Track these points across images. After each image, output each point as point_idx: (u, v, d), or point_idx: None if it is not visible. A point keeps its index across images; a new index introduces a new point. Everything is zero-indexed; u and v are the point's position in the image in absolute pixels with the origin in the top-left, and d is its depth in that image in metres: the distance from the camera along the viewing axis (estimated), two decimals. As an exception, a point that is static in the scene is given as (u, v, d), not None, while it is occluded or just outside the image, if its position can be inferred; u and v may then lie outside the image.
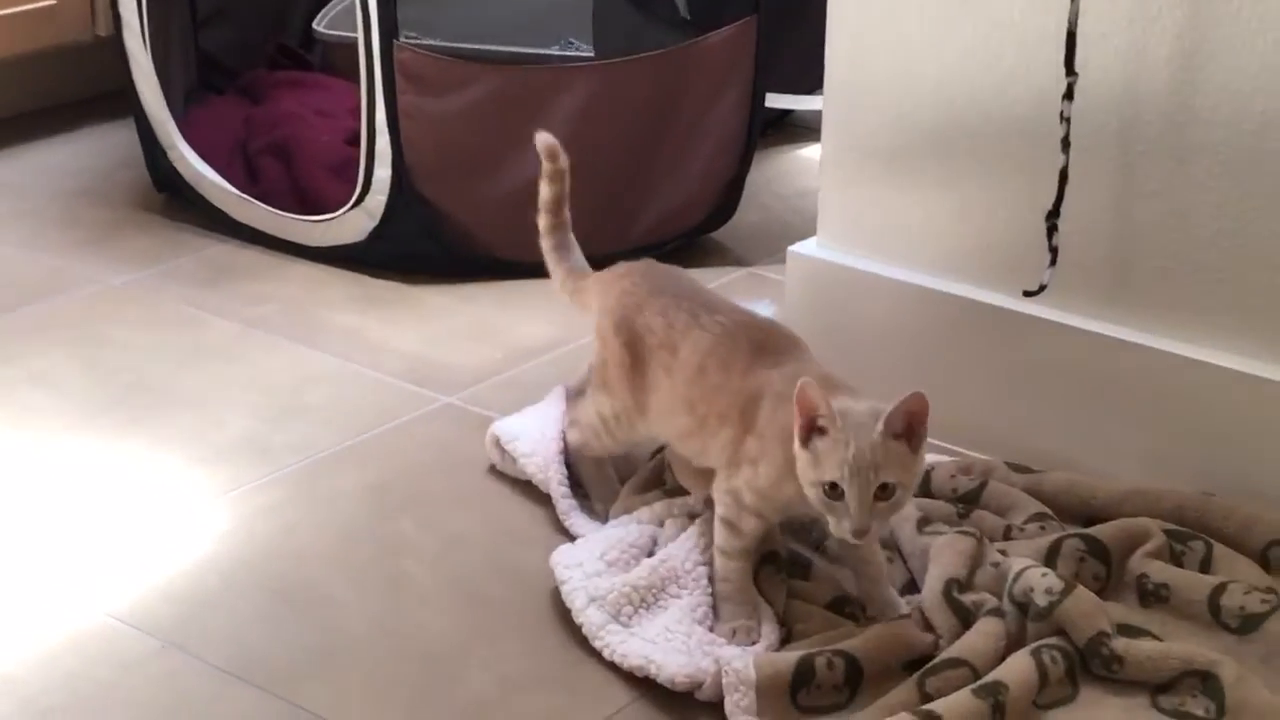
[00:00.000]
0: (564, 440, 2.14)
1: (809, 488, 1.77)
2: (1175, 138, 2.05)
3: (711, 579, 1.92)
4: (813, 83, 2.71)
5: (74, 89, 3.31)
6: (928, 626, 1.86)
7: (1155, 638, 1.85)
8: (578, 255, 2.16)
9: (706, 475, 1.98)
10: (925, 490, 2.08)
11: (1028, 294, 2.14)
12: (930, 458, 2.06)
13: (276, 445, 2.27)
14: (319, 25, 3.21)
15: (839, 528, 1.76)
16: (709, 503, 1.98)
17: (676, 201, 2.78)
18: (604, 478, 2.13)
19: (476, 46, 2.74)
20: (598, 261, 2.16)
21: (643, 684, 1.83)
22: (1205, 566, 1.95)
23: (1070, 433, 2.16)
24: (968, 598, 1.87)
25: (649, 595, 1.90)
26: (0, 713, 1.79)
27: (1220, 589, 1.88)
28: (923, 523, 1.99)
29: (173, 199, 2.92)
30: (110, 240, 2.84)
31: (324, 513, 2.13)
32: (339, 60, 3.16)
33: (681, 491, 2.06)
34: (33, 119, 3.25)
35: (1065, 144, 2.06)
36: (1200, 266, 2.08)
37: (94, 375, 2.44)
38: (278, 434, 2.29)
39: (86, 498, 2.16)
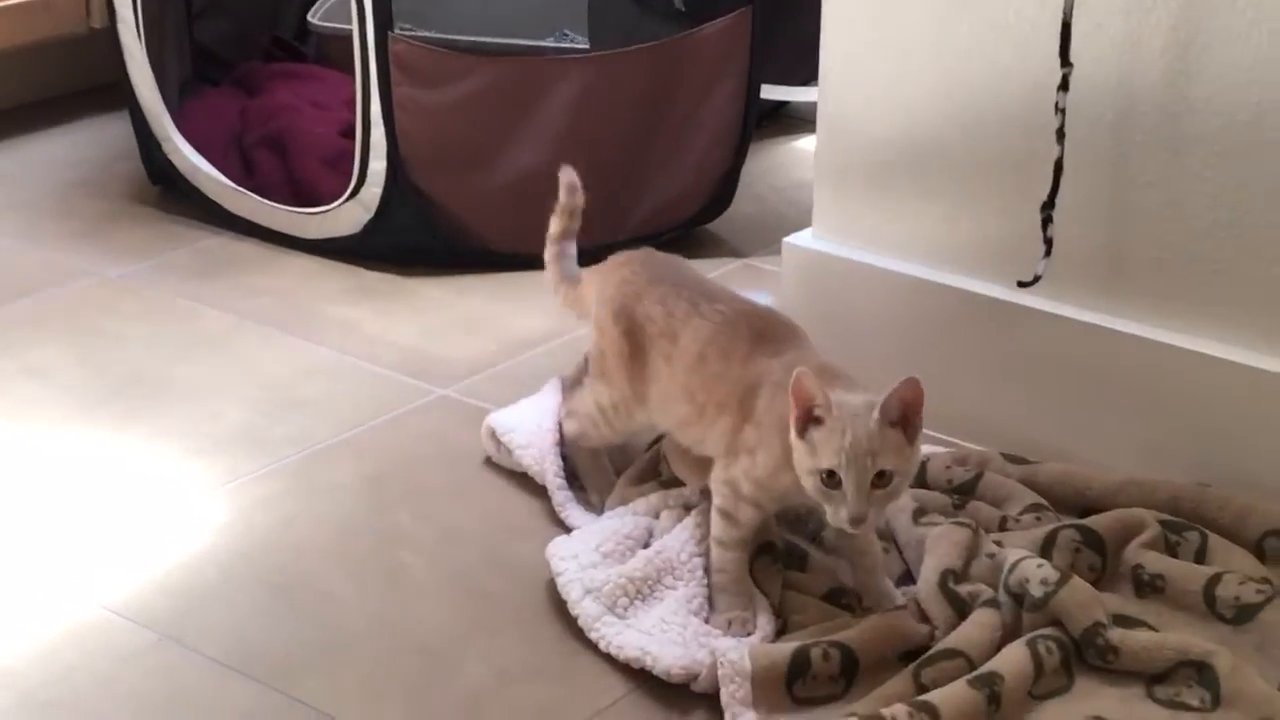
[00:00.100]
0: (560, 432, 2.14)
1: (806, 477, 1.78)
2: (1170, 129, 2.05)
3: (707, 570, 1.92)
4: (808, 74, 2.71)
5: (69, 81, 3.30)
6: (923, 617, 1.87)
7: (1151, 628, 1.86)
8: (573, 264, 2.17)
9: (702, 467, 1.98)
10: (921, 481, 2.08)
11: (1022, 285, 2.14)
12: (926, 449, 2.06)
13: (273, 437, 2.27)
14: (314, 17, 3.20)
15: (836, 516, 1.76)
16: (705, 494, 1.98)
17: (672, 193, 2.78)
18: (599, 469, 2.13)
19: (471, 38, 2.74)
20: (593, 253, 2.16)
21: (638, 675, 1.83)
22: (1200, 557, 1.95)
23: (1065, 423, 2.16)
24: (963, 589, 1.88)
25: (645, 587, 1.90)
26: (-3, 706, 1.79)
27: (1215, 579, 1.89)
28: (918, 514, 1.99)
29: (168, 191, 2.92)
30: (106, 232, 2.84)
31: (321, 505, 2.14)
32: (334, 52, 3.16)
33: (677, 483, 2.06)
34: (27, 111, 3.24)
35: (1060, 135, 2.07)
36: (1196, 257, 2.08)
37: (90, 367, 2.44)
38: (274, 426, 2.30)
39: (83, 490, 2.16)
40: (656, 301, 1.99)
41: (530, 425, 2.17)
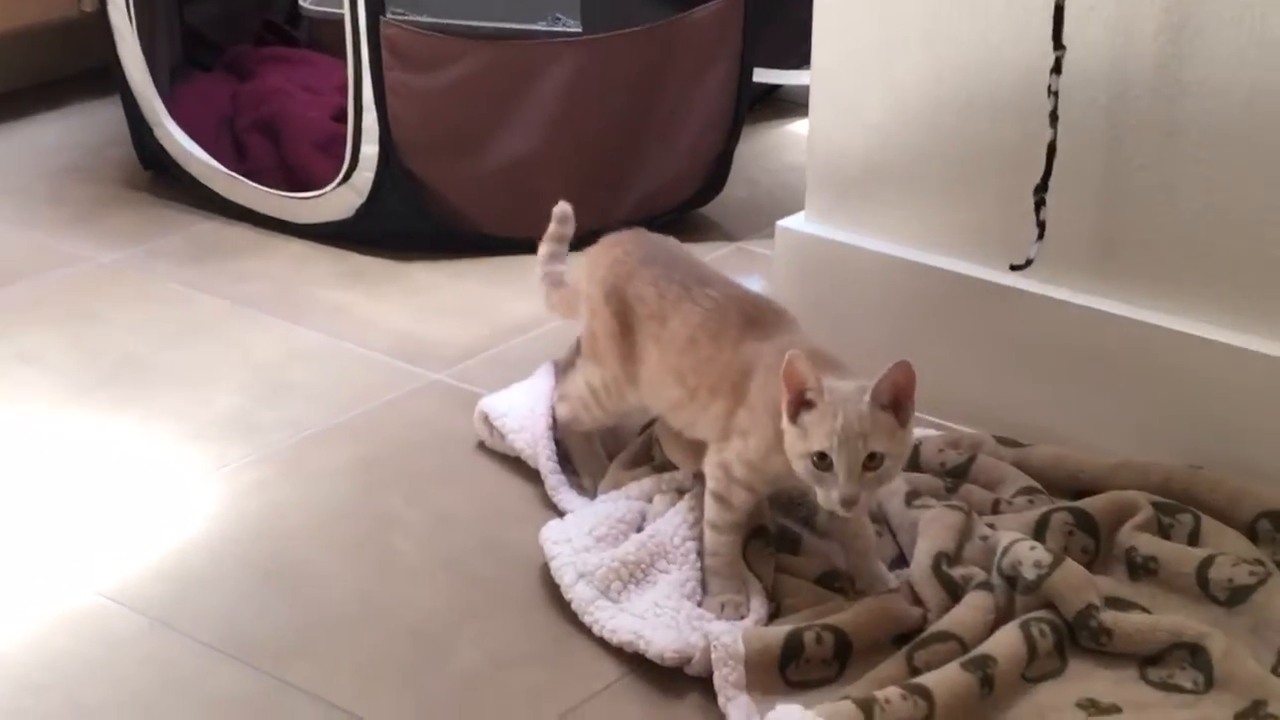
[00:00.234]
0: (553, 416, 2.14)
1: (797, 461, 1.78)
2: (1164, 111, 2.05)
3: (700, 554, 1.92)
4: (801, 58, 2.71)
5: (59, 66, 3.30)
6: (916, 600, 1.87)
7: (1144, 610, 1.86)
8: (563, 277, 2.19)
9: (695, 451, 1.98)
10: (914, 464, 2.08)
11: (1015, 268, 2.14)
12: (918, 432, 2.06)
13: (265, 422, 2.27)
14: (305, 1, 3.19)
15: (827, 499, 1.76)
16: (698, 478, 1.98)
17: (665, 177, 2.77)
18: (592, 453, 2.13)
19: (464, 22, 2.73)
20: (586, 238, 2.16)
21: (632, 659, 1.83)
22: (1193, 539, 1.95)
23: (1058, 406, 2.16)
24: (956, 571, 1.88)
25: (638, 570, 1.90)
26: (-11, 691, 1.79)
27: (1208, 561, 1.89)
28: (911, 496, 1.99)
29: (160, 176, 2.92)
30: (97, 218, 2.83)
31: (313, 490, 2.13)
32: (326, 36, 3.15)
33: (670, 467, 2.06)
34: (18, 96, 3.23)
35: (1053, 118, 2.06)
36: (1188, 240, 2.08)
37: (82, 353, 2.43)
38: (266, 411, 2.29)
39: (75, 476, 2.16)
40: (648, 283, 1.99)
41: (523, 409, 2.17)
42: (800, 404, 1.77)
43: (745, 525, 1.92)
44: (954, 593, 1.86)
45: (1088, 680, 1.79)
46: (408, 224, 2.70)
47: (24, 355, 2.42)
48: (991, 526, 1.95)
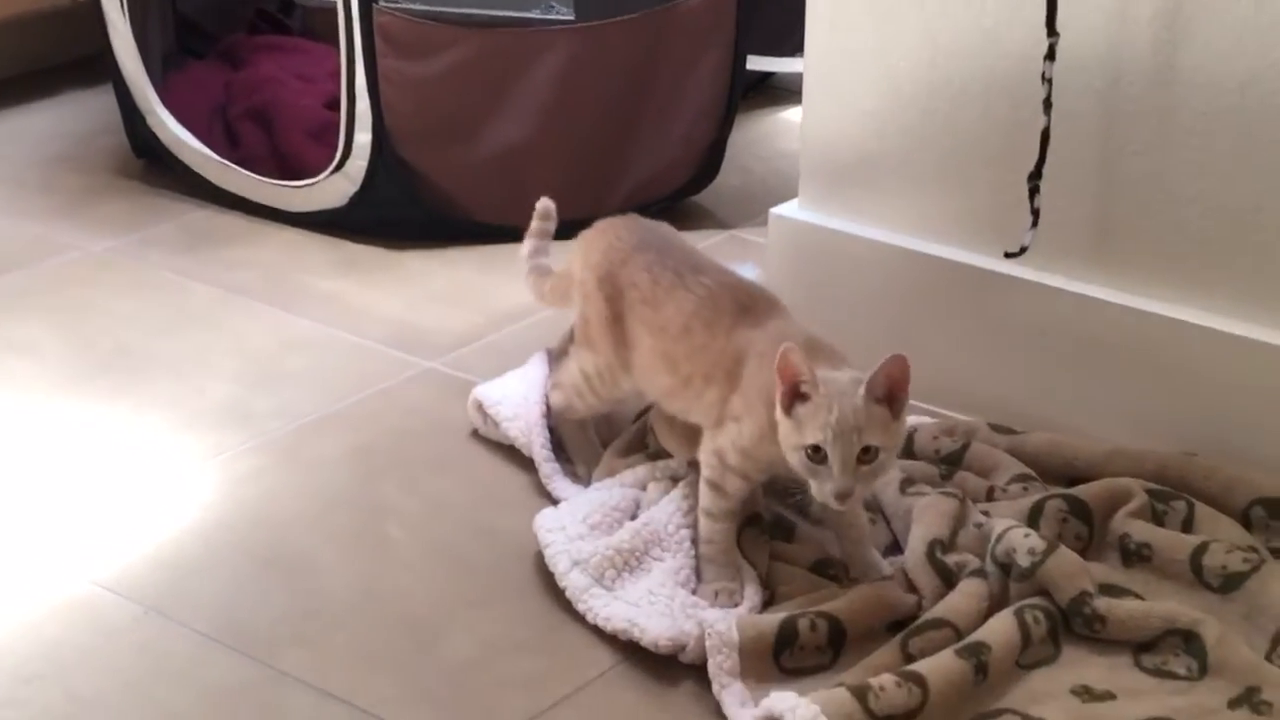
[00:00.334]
0: (546, 404, 2.14)
1: (791, 453, 1.77)
2: (1158, 98, 2.05)
3: (694, 542, 1.92)
4: (794, 46, 2.70)
5: (52, 54, 3.29)
6: (911, 588, 1.87)
7: (1138, 597, 1.86)
8: (549, 267, 2.19)
9: (689, 438, 1.98)
10: (908, 451, 2.08)
11: (1009, 255, 2.14)
12: (913, 419, 2.06)
13: (258, 411, 2.26)
14: (298, -11, 3.20)
15: (821, 491, 1.76)
16: (692, 466, 1.98)
17: (658, 165, 2.77)
18: (586, 441, 2.13)
19: (456, 10, 2.73)
20: (579, 226, 2.15)
21: (626, 647, 1.83)
22: (1187, 526, 1.95)
23: (1052, 394, 2.16)
24: (950, 558, 1.88)
25: (632, 558, 1.90)
26: (-17, 680, 1.79)
27: (1202, 548, 1.89)
28: (906, 484, 1.99)
29: (152, 165, 2.91)
30: (90, 206, 2.83)
31: (306, 478, 2.13)
32: (318, 24, 3.15)
33: (664, 455, 2.06)
34: (10, 84, 3.23)
35: (1047, 105, 2.06)
36: (1182, 226, 2.08)
37: (75, 342, 2.43)
38: (260, 400, 2.29)
39: (69, 465, 2.16)
40: (642, 269, 1.99)
41: (517, 397, 2.17)
42: (794, 396, 1.76)
43: (740, 513, 1.91)
44: (948, 580, 1.86)
45: (1081, 667, 1.79)
46: (401, 212, 2.69)
47: (16, 345, 2.42)
48: (986, 514, 1.96)
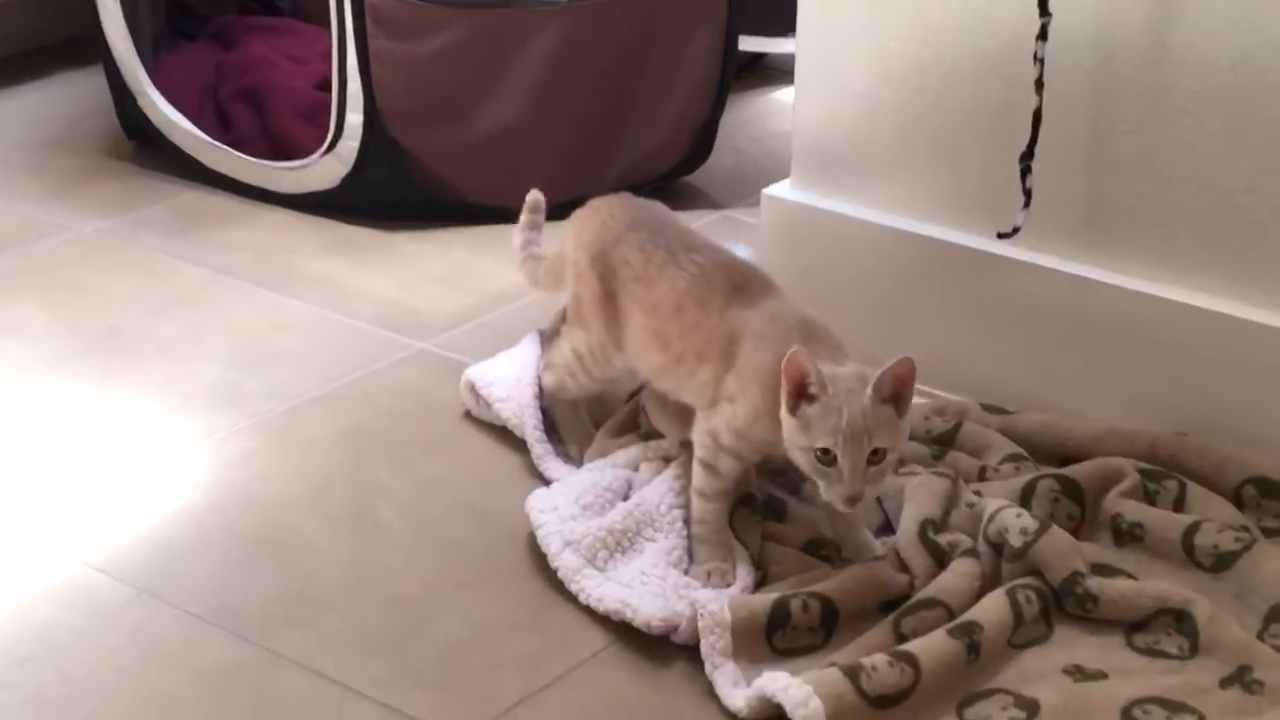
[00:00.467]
0: (539, 385, 2.14)
1: (798, 452, 1.77)
2: (1150, 77, 2.05)
3: (687, 522, 1.92)
4: (786, 26, 2.70)
5: (42, 35, 3.28)
6: (903, 567, 1.87)
7: (1130, 577, 1.86)
8: (539, 249, 2.19)
9: (681, 419, 1.98)
10: (900, 432, 2.08)
11: (1002, 236, 2.14)
12: (905, 399, 2.06)
13: (250, 392, 2.26)
14: (289, -30, 3.19)
15: (830, 494, 1.76)
16: (684, 446, 1.98)
17: (650, 145, 2.77)
18: (579, 421, 2.13)
19: (448, -11, 2.72)
20: (571, 206, 2.15)
21: (618, 627, 1.83)
22: (1179, 505, 1.95)
23: (1045, 373, 2.16)
24: (943, 538, 1.88)
25: (624, 539, 1.90)
26: (-25, 662, 1.79)
27: (1194, 528, 1.89)
28: (897, 464, 1.99)
29: (143, 146, 2.91)
30: (81, 188, 2.82)
31: (298, 459, 2.13)
32: (310, 5, 3.14)
33: (656, 435, 2.06)
34: (0, 66, 3.22)
35: (1039, 85, 2.06)
36: (1174, 206, 2.08)
37: (66, 324, 2.43)
38: (251, 381, 2.29)
39: (60, 446, 2.15)
40: (635, 247, 1.99)
41: (509, 378, 2.16)
42: (800, 396, 1.76)
43: (732, 493, 1.91)
44: (940, 560, 1.86)
45: (1073, 646, 1.79)
46: (393, 193, 2.69)
47: (7, 326, 2.42)
48: (978, 493, 1.96)
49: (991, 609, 1.78)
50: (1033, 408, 2.13)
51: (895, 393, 1.76)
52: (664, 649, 1.81)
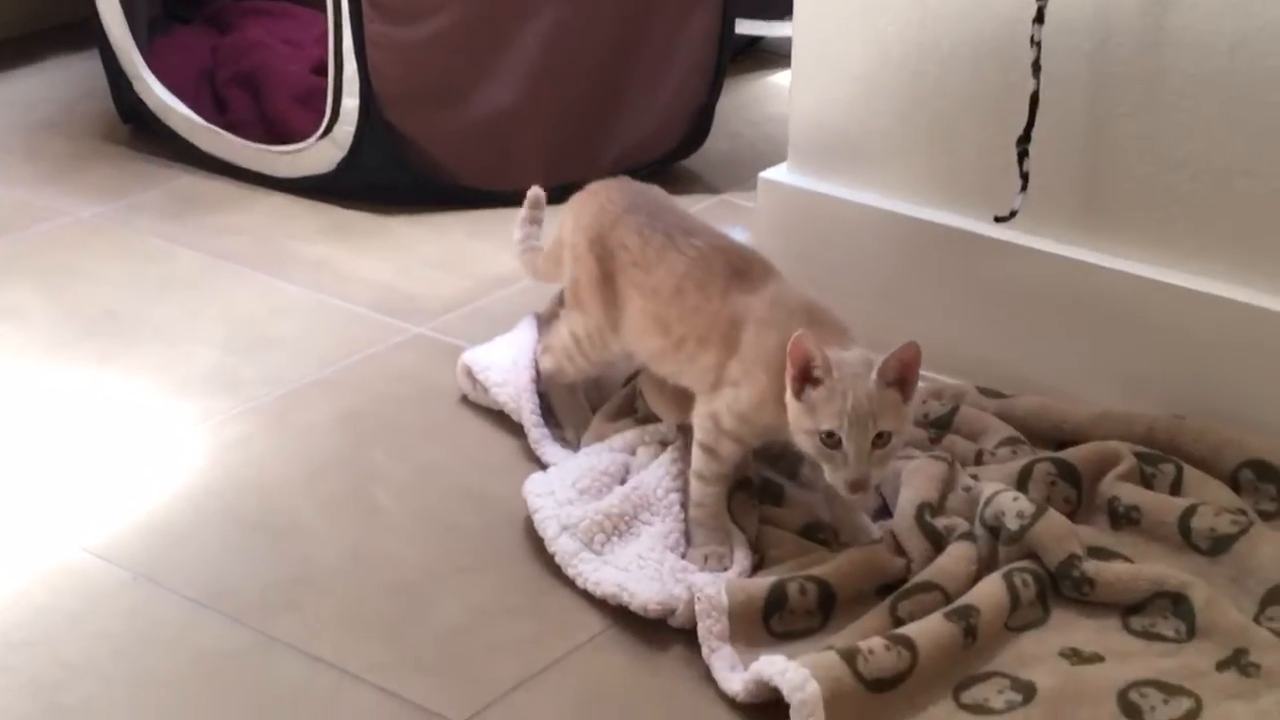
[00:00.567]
0: (536, 369, 2.13)
1: (803, 436, 1.77)
2: (1147, 60, 2.04)
3: (684, 506, 1.92)
4: (783, 9, 2.70)
5: (37, 19, 3.27)
6: (900, 551, 1.87)
7: (1126, 560, 1.86)
8: (538, 244, 2.20)
9: (679, 403, 1.98)
10: (897, 415, 2.08)
11: (999, 219, 2.13)
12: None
13: (247, 377, 2.26)
14: (285, -47, 3.18)
15: (835, 478, 1.76)
16: (681, 430, 1.98)
17: (647, 129, 2.76)
18: (576, 405, 2.12)
19: (443, -27, 2.72)
20: (568, 190, 2.15)
21: (615, 611, 1.83)
22: (1176, 489, 1.95)
23: (1041, 357, 2.16)
24: (939, 522, 1.88)
25: (621, 523, 1.90)
26: (-28, 646, 1.79)
27: (1191, 511, 1.89)
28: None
29: (139, 130, 2.90)
30: (76, 172, 2.81)
31: (295, 444, 2.13)
32: (305, -11, 3.13)
33: (653, 419, 2.06)
34: (-5, 50, 3.22)
35: (1036, 68, 2.06)
36: (1172, 189, 2.08)
37: (62, 308, 2.42)
38: (248, 366, 2.29)
39: (57, 431, 2.15)
40: (633, 231, 1.99)
41: (506, 362, 2.16)
42: (805, 379, 1.76)
43: (731, 477, 1.91)
44: (937, 543, 1.86)
45: (1070, 629, 1.79)
46: (389, 177, 2.69)
47: (3, 311, 2.41)
48: (974, 477, 1.96)
49: (988, 592, 1.78)
50: (1030, 391, 2.13)
51: (900, 377, 1.76)
52: (661, 633, 1.81)
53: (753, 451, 1.96)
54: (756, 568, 1.87)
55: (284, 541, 1.95)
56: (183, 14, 3.14)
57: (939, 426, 2.08)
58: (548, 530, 1.90)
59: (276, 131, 2.79)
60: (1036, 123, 2.07)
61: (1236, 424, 2.02)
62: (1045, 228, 2.16)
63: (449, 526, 1.98)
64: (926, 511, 1.88)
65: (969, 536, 1.86)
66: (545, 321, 2.21)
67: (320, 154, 2.69)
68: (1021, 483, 1.93)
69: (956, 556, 1.83)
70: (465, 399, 2.21)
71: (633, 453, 2.02)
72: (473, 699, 1.73)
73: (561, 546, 1.89)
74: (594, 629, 1.82)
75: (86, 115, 3.00)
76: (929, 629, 1.73)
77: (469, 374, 2.19)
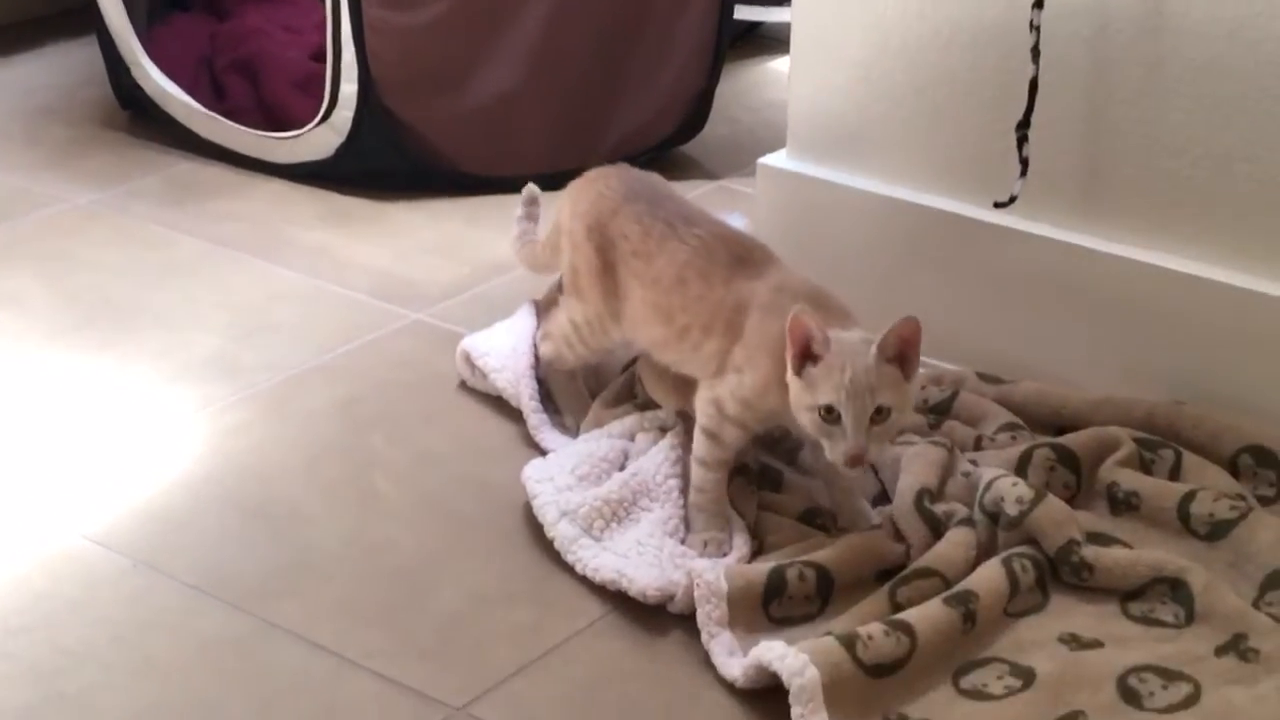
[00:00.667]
0: (535, 354, 2.13)
1: (803, 413, 1.77)
2: (1146, 46, 2.04)
3: (682, 492, 1.92)
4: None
5: (36, 5, 3.27)
6: (899, 537, 1.87)
7: (1125, 545, 1.86)
8: (534, 239, 2.20)
9: (678, 389, 1.98)
10: (896, 401, 2.08)
11: (998, 205, 2.13)
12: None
13: (246, 363, 2.26)
14: (283, -61, 3.17)
15: (834, 452, 1.76)
16: (680, 416, 1.98)
17: (646, 114, 2.76)
18: (575, 391, 2.12)
19: (443, -42, 2.71)
20: (566, 176, 2.15)
21: (614, 597, 1.83)
22: (1175, 474, 1.95)
23: (1041, 342, 2.16)
24: (939, 507, 1.88)
25: (620, 509, 1.90)
26: (-28, 633, 1.79)
27: (1190, 496, 1.89)
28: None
29: (137, 117, 2.90)
30: (75, 159, 2.81)
31: (294, 430, 2.13)
32: (304, -26, 3.13)
33: (652, 405, 2.06)
34: (-6, 37, 3.22)
35: (1035, 53, 2.05)
36: (1171, 174, 2.07)
37: (61, 295, 2.42)
38: (247, 352, 2.29)
39: (56, 418, 2.15)
40: (632, 219, 1.98)
41: (505, 349, 2.16)
42: (805, 357, 1.76)
43: (732, 463, 1.91)
44: (936, 529, 1.86)
45: (1069, 615, 1.79)
46: (387, 163, 2.68)
47: (2, 298, 2.41)
48: (974, 463, 1.96)
49: (987, 578, 1.78)
50: (1029, 377, 2.12)
51: (900, 353, 1.76)
52: (660, 618, 1.81)
53: (752, 438, 1.96)
54: (755, 553, 1.87)
55: (283, 528, 1.95)
56: (181, 1, 3.14)
57: (938, 412, 2.08)
58: (547, 516, 1.90)
59: (275, 118, 2.79)
60: (1036, 108, 2.07)
61: (1236, 409, 2.02)
62: (1045, 213, 2.15)
63: (448, 512, 1.98)
64: (926, 497, 1.88)
65: (968, 522, 1.86)
66: (544, 308, 2.21)
67: (319, 140, 2.69)
68: (1021, 468, 1.93)
69: (956, 542, 1.83)
70: (464, 385, 2.21)
71: (632, 439, 2.02)
72: (472, 685, 1.73)
73: (561, 532, 1.89)
74: (593, 615, 1.83)
75: (85, 102, 2.99)
76: (928, 614, 1.73)
77: (468, 360, 2.19)
